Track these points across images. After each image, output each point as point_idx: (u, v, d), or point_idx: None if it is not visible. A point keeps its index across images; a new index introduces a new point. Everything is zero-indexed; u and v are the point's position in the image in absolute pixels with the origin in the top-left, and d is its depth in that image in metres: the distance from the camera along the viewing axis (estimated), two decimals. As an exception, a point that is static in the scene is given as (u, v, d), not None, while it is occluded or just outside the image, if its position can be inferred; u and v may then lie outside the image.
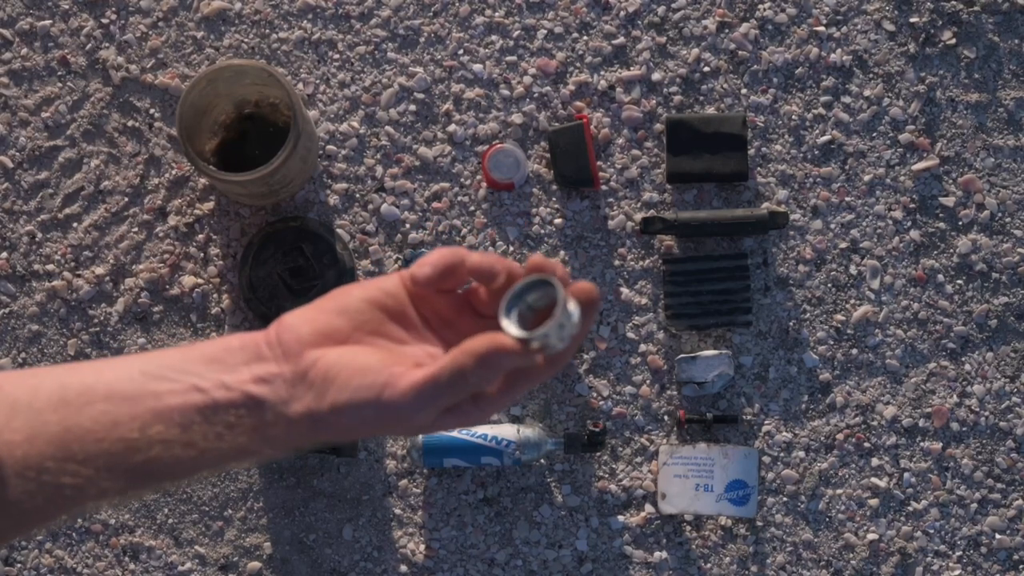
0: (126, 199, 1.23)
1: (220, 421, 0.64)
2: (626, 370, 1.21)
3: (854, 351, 1.22)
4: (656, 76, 1.23)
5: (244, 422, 0.64)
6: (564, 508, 1.21)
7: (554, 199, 1.22)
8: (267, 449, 0.65)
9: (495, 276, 0.63)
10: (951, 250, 1.23)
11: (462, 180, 1.22)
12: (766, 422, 1.21)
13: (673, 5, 1.24)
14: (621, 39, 1.23)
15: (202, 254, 1.22)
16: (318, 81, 1.23)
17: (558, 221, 1.22)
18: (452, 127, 1.22)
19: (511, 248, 1.21)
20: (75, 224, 1.22)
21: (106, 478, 0.66)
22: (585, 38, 1.23)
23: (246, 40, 1.24)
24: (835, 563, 1.21)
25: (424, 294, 0.65)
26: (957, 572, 1.21)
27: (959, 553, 1.21)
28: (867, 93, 1.23)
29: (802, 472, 1.21)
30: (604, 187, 1.22)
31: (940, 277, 1.22)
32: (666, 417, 1.21)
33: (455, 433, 1.17)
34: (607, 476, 1.21)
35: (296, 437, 0.65)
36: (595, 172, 1.20)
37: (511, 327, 0.62)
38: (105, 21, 1.24)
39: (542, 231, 1.22)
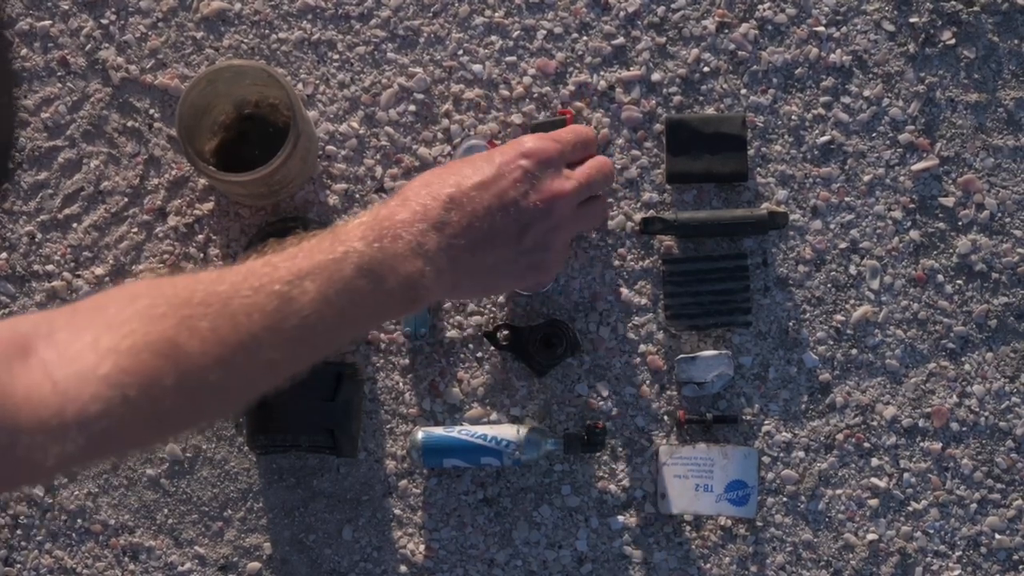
0: (126, 199, 1.23)
1: None
2: (626, 370, 1.21)
3: (854, 351, 1.22)
4: (656, 76, 1.23)
5: None
6: (564, 508, 1.21)
7: (554, 199, 1.22)
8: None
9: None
10: (951, 250, 1.23)
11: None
12: (766, 422, 1.21)
13: (673, 5, 1.24)
14: (621, 39, 1.23)
15: (202, 254, 1.22)
16: (318, 81, 1.23)
17: (558, 221, 1.22)
18: (452, 127, 1.22)
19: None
20: (75, 224, 1.22)
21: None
22: (585, 38, 1.23)
23: (246, 40, 1.24)
24: (835, 563, 1.21)
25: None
26: (957, 572, 1.21)
27: (959, 553, 1.21)
28: (867, 93, 1.23)
29: (802, 472, 1.21)
30: (604, 187, 1.22)
31: (940, 277, 1.22)
32: (666, 417, 1.21)
33: (455, 433, 1.17)
34: (607, 476, 1.21)
35: None
36: None
37: None
38: (105, 21, 1.24)
39: (542, 231, 1.22)
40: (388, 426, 1.21)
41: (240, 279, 0.88)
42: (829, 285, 1.22)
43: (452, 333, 1.21)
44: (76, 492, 1.21)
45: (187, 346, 0.83)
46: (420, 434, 1.18)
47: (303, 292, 0.88)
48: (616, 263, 1.22)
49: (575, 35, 1.23)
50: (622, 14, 1.23)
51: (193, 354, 0.83)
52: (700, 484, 1.19)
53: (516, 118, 1.22)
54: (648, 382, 1.21)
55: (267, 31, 1.24)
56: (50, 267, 1.22)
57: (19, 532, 1.21)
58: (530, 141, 1.04)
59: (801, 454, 1.21)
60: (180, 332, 0.83)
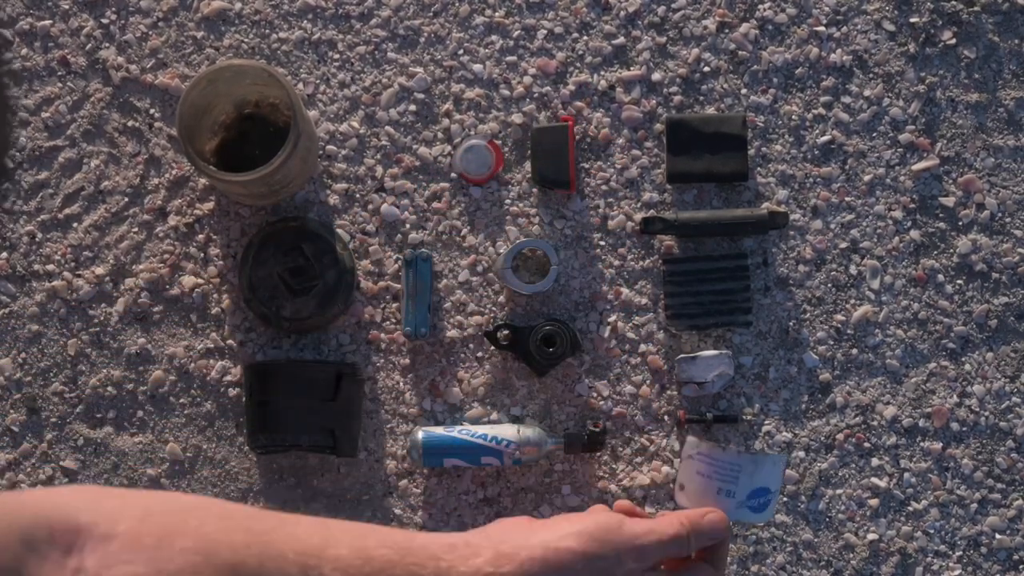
0: (126, 199, 1.23)
1: None
2: (626, 370, 1.21)
3: (854, 351, 1.22)
4: (656, 76, 1.23)
5: None
6: (564, 508, 1.21)
7: (554, 199, 1.22)
8: None
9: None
10: (951, 250, 1.23)
11: (462, 180, 1.22)
12: (766, 422, 1.21)
13: (673, 5, 1.24)
14: (621, 39, 1.23)
15: (202, 254, 1.22)
16: (318, 81, 1.23)
17: (558, 221, 1.22)
18: (452, 127, 1.22)
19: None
20: (75, 224, 1.22)
21: None
22: (585, 38, 1.23)
23: (246, 40, 1.24)
24: (835, 563, 1.21)
25: None
26: (957, 572, 1.21)
27: (959, 553, 1.21)
28: (867, 93, 1.23)
29: (802, 472, 1.21)
30: (604, 187, 1.22)
31: (940, 277, 1.22)
32: (666, 417, 1.21)
33: (455, 433, 1.17)
34: (607, 476, 1.21)
35: None
36: (573, 175, 1.20)
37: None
38: (105, 21, 1.24)
39: (541, 231, 1.22)
40: (388, 426, 1.21)
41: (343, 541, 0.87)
42: (829, 285, 1.22)
43: (452, 333, 1.21)
44: (76, 492, 1.21)
45: None
46: (420, 434, 1.18)
47: None
48: (616, 263, 1.22)
49: (575, 35, 1.23)
50: (622, 14, 1.23)
51: None
52: (723, 488, 1.13)
53: (516, 118, 1.22)
54: (648, 382, 1.21)
55: (267, 31, 1.24)
56: (50, 267, 1.22)
57: (19, 532, 1.21)
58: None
59: (801, 454, 1.21)
60: None
